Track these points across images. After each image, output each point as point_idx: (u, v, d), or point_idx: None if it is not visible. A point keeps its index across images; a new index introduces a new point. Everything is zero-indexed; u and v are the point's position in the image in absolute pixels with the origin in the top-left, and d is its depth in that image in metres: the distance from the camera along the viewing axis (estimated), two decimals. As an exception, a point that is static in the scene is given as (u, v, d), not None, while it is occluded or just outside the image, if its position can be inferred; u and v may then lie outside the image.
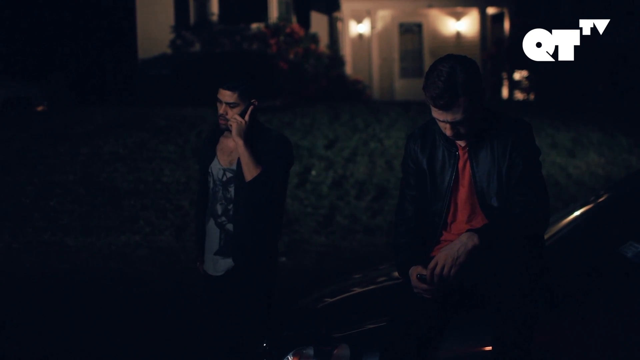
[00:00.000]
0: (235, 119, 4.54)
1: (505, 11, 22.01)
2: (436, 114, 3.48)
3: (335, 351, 3.73)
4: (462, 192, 3.63)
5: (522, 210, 3.47)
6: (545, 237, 4.20)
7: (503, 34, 22.07)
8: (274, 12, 21.49)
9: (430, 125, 3.69)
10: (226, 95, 4.59)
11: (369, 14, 22.06)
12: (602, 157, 14.37)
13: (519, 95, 21.11)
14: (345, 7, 21.64)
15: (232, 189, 4.61)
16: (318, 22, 22.19)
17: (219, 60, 20.47)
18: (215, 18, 21.66)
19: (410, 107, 16.85)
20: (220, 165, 4.67)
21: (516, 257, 3.38)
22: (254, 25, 21.48)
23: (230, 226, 4.62)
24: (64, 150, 13.61)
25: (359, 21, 22.57)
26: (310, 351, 3.81)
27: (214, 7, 21.74)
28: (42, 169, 12.77)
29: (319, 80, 20.30)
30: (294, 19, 21.72)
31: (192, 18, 21.91)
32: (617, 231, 4.29)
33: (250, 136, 4.57)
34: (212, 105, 17.06)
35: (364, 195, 12.14)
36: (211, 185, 4.71)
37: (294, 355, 3.87)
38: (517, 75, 21.18)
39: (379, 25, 22.49)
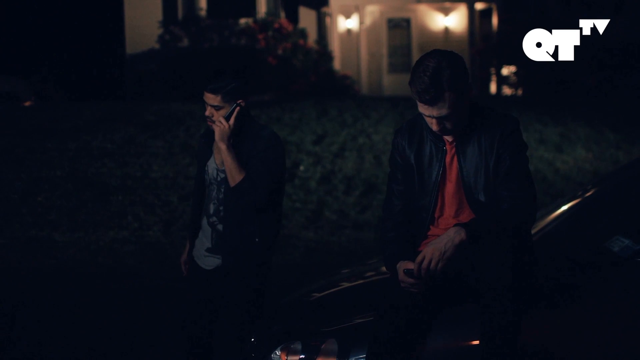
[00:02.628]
0: (219, 123, 4.42)
1: (494, 7, 22.05)
2: (422, 109, 3.49)
3: (323, 346, 3.73)
4: (450, 187, 3.63)
5: (509, 205, 3.48)
6: (532, 231, 4.21)
7: (491, 30, 22.11)
8: (262, 8, 21.47)
9: (418, 120, 3.69)
10: (210, 98, 4.46)
11: (358, 9, 22.06)
12: (590, 153, 14.41)
13: (507, 91, 21.16)
14: (334, 2, 21.63)
15: (223, 190, 4.53)
16: (306, 18, 22.18)
17: (208, 55, 20.44)
18: (203, 13, 21.63)
19: (399, 103, 16.86)
20: (215, 164, 4.59)
21: (503, 252, 3.39)
22: (242, 21, 21.46)
23: (220, 227, 4.54)
24: (52, 145, 13.57)
25: (348, 16, 22.57)
26: (298, 346, 3.81)
27: (202, 2, 21.71)
28: (30, 165, 12.73)
29: (307, 76, 20.30)
30: (282, 14, 21.71)
31: (180, 13, 21.87)
32: (603, 226, 4.31)
33: (237, 137, 4.47)
34: (200, 100, 16.92)
35: (353, 191, 12.15)
36: (207, 183, 4.64)
37: (281, 350, 3.87)
38: (505, 71, 21.23)
39: (368, 20, 22.49)
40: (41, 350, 6.38)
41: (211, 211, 4.58)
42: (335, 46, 21.76)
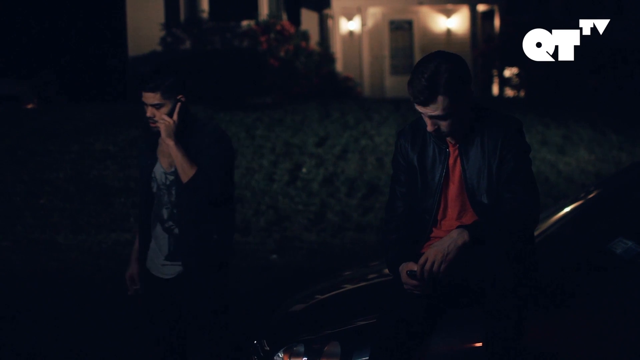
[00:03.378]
0: (163, 120, 4.30)
1: (496, 8, 22.04)
2: (417, 107, 3.51)
3: (325, 348, 3.73)
4: (453, 189, 3.63)
5: (512, 207, 3.47)
6: (535, 233, 4.21)
7: (493, 31, 22.11)
8: (264, 10, 21.48)
9: (421, 122, 3.69)
10: (149, 97, 4.33)
11: (360, 11, 22.06)
12: (592, 154, 14.41)
13: (509, 92, 21.15)
14: (336, 4, 21.63)
15: (174, 192, 4.41)
16: (308, 20, 22.19)
17: (210, 57, 20.44)
18: (205, 15, 21.64)
19: (401, 105, 16.86)
20: (162, 169, 4.45)
21: (506, 254, 3.38)
22: (245, 23, 21.46)
23: (177, 230, 4.42)
24: (54, 147, 13.59)
25: (350, 18, 22.56)
26: (301, 348, 3.81)
27: (204, 4, 21.72)
28: (32, 167, 12.74)
29: (309, 78, 20.30)
30: (284, 16, 21.72)
31: (182, 15, 21.88)
32: (606, 227, 4.30)
33: (182, 135, 4.35)
34: (203, 102, 17.03)
35: (355, 193, 12.15)
36: (155, 190, 4.48)
37: (284, 353, 3.87)
38: (508, 73, 21.22)
39: (370, 22, 22.49)
40: (43, 352, 6.37)
41: (165, 216, 4.44)
42: (337, 48, 21.76)
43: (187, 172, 4.29)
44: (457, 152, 3.61)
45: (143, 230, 4.57)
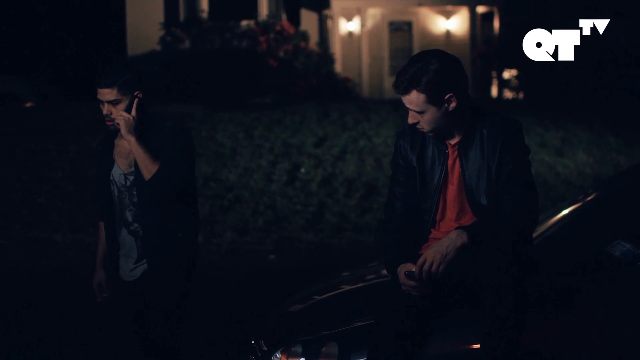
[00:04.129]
0: (121, 116, 4.13)
1: (495, 10, 22.05)
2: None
3: (323, 349, 3.73)
4: (451, 190, 3.63)
5: (511, 209, 3.47)
6: (534, 235, 4.21)
7: (493, 33, 22.12)
8: (263, 10, 21.48)
9: (420, 123, 3.70)
10: (105, 94, 4.16)
11: (359, 12, 22.07)
12: (591, 157, 14.42)
13: (508, 94, 21.16)
14: (335, 5, 21.64)
15: (135, 193, 4.26)
16: (308, 20, 22.18)
17: (209, 57, 20.43)
18: (205, 15, 21.63)
19: (400, 106, 16.85)
20: (120, 170, 4.29)
21: (504, 255, 3.38)
22: (244, 23, 21.46)
23: (142, 231, 4.29)
24: (53, 146, 13.58)
25: (349, 19, 22.57)
26: (299, 349, 3.81)
27: (204, 4, 21.71)
28: (31, 166, 12.74)
29: (308, 78, 20.30)
30: (283, 17, 21.72)
31: (181, 15, 21.88)
32: (605, 230, 4.30)
33: (141, 131, 4.18)
34: (201, 102, 17.02)
35: (353, 193, 12.15)
36: (116, 193, 4.32)
37: (282, 353, 3.87)
38: (507, 74, 21.23)
39: (369, 23, 22.50)
40: (41, 350, 6.37)
41: (130, 219, 4.30)
42: (336, 49, 21.76)
43: (149, 168, 4.13)
44: (456, 153, 3.61)
45: (110, 238, 4.40)
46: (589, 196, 4.86)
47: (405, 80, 3.50)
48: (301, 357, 3.77)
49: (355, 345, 3.66)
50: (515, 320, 3.34)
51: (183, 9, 21.90)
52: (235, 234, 10.46)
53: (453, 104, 3.51)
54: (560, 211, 4.82)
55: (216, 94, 18.97)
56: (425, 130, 3.58)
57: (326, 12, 22.08)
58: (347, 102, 18.12)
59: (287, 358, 3.83)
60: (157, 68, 21.10)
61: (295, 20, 21.81)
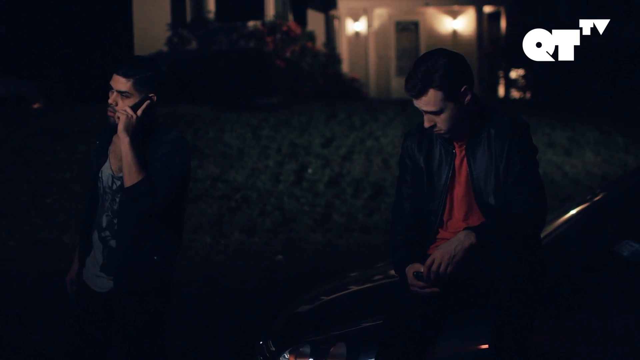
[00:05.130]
0: (124, 110, 3.80)
1: (502, 10, 22.03)
2: (414, 103, 3.53)
3: (331, 349, 3.73)
4: (459, 190, 3.63)
5: (519, 209, 3.47)
6: (542, 235, 4.20)
7: (500, 33, 22.09)
8: (270, 10, 21.49)
9: (428, 123, 3.69)
10: (119, 82, 3.83)
11: (366, 12, 22.07)
12: (599, 156, 14.39)
13: (515, 94, 21.13)
14: (342, 5, 21.64)
15: (119, 200, 3.91)
16: (315, 20, 22.19)
17: (216, 58, 20.46)
18: (211, 16, 21.65)
19: (407, 106, 16.84)
20: (111, 170, 3.95)
21: (513, 256, 3.38)
22: (251, 23, 21.48)
23: (113, 242, 3.91)
24: (61, 148, 13.61)
25: (356, 19, 22.57)
26: (307, 349, 3.81)
27: (211, 4, 21.73)
28: (39, 167, 12.77)
29: (315, 79, 20.30)
30: (290, 17, 21.72)
31: (188, 16, 21.90)
32: (613, 230, 4.30)
33: (140, 136, 3.85)
34: (208, 103, 17.01)
35: (361, 194, 12.15)
36: (101, 192, 3.98)
37: (290, 354, 3.87)
38: (514, 74, 21.21)
39: (376, 23, 22.49)
40: (48, 351, 6.38)
41: (104, 224, 3.95)
42: (343, 49, 21.76)
43: (132, 176, 3.77)
44: (463, 153, 3.61)
45: (84, 234, 4.07)
46: (596, 196, 4.85)
47: (418, 82, 3.47)
48: (309, 358, 3.78)
49: (363, 346, 3.66)
50: (524, 321, 3.34)
51: (190, 10, 21.92)
52: (242, 235, 10.47)
53: (468, 97, 3.51)
54: (568, 211, 4.82)
55: (223, 95, 18.99)
56: (442, 132, 3.54)
57: (333, 12, 22.08)
58: (355, 103, 18.11)
59: (296, 358, 3.83)
60: (164, 69, 21.12)
61: (302, 20, 21.81)
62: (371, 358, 3.57)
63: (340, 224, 10.98)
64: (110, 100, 3.85)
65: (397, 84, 22.72)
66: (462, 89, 3.50)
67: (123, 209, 3.88)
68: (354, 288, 4.73)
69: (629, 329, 3.59)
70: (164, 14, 21.75)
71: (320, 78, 20.39)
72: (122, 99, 3.83)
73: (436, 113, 3.49)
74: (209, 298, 7.81)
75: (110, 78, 3.89)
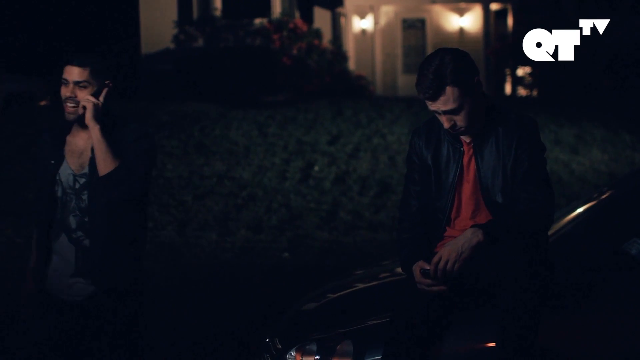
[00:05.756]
0: (88, 100, 3.75)
1: (509, 7, 22.00)
2: (430, 106, 3.51)
3: (338, 347, 3.73)
4: (467, 188, 3.62)
5: (526, 207, 3.46)
6: (549, 233, 4.19)
7: (506, 30, 22.07)
8: (277, 8, 21.49)
9: (435, 121, 3.69)
10: (74, 73, 3.78)
11: (372, 9, 22.05)
12: (606, 154, 14.36)
13: (522, 92, 21.11)
14: (349, 2, 21.63)
15: (86, 197, 3.82)
16: (321, 18, 22.18)
17: (222, 55, 20.47)
18: (218, 13, 21.66)
19: (413, 103, 16.84)
20: (70, 170, 3.85)
21: (520, 254, 3.37)
22: (257, 21, 21.48)
23: (87, 242, 3.83)
24: (67, 145, 13.61)
25: (362, 17, 22.56)
26: (314, 347, 3.81)
27: (217, 2, 21.74)
28: (45, 164, 12.77)
29: (322, 76, 20.30)
30: (297, 15, 21.72)
31: (195, 13, 21.91)
32: (620, 228, 4.28)
33: (104, 126, 3.79)
34: (215, 100, 16.98)
35: (367, 191, 12.14)
36: (60, 194, 3.86)
37: (296, 351, 3.87)
38: (521, 72, 21.18)
39: (382, 20, 22.48)
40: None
41: (73, 225, 3.85)
42: (349, 46, 21.75)
43: (108, 163, 3.72)
44: (471, 151, 3.60)
45: (42, 243, 3.94)
46: (604, 194, 4.84)
47: (432, 82, 3.43)
48: (316, 355, 3.77)
49: (370, 344, 3.66)
50: (530, 319, 3.33)
51: (196, 8, 21.93)
52: (249, 232, 10.47)
53: (479, 87, 3.51)
54: (575, 209, 4.81)
55: (230, 92, 19.00)
56: (463, 129, 3.52)
57: (339, 9, 22.07)
58: (361, 100, 18.11)
59: (302, 356, 3.83)
60: (170, 66, 21.16)
61: (308, 18, 21.81)
62: (378, 356, 3.57)
63: (347, 221, 10.98)
64: (67, 94, 3.81)
65: (403, 82, 22.70)
66: (475, 80, 3.49)
67: (92, 206, 3.81)
68: (360, 286, 4.73)
69: (638, 328, 3.58)
70: (171, 12, 21.76)
71: (326, 75, 20.39)
72: (80, 89, 3.80)
73: (455, 111, 3.47)
74: (214, 295, 7.82)
75: (62, 72, 3.86)
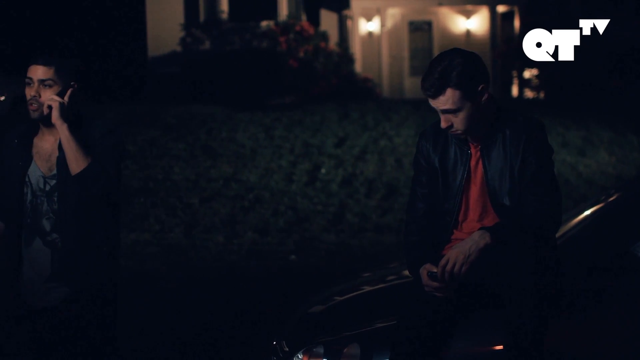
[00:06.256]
0: (53, 99, 3.69)
1: (516, 9, 21.98)
2: (430, 102, 3.52)
3: (345, 350, 3.72)
4: (474, 191, 3.61)
5: (534, 209, 3.46)
6: (556, 236, 4.18)
7: (513, 32, 22.05)
8: (283, 10, 21.50)
9: (442, 123, 3.68)
10: (40, 71, 3.72)
11: (379, 12, 22.06)
12: (613, 156, 14.34)
13: (529, 94, 21.09)
14: (355, 5, 21.64)
15: (57, 199, 3.76)
16: (328, 20, 22.20)
17: (229, 58, 20.49)
18: (225, 16, 21.69)
19: (420, 105, 16.84)
20: (40, 172, 3.79)
21: (527, 256, 3.37)
22: (264, 23, 21.50)
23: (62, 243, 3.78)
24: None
25: (369, 19, 22.56)
26: (321, 350, 3.80)
27: (224, 5, 21.77)
28: (52, 167, 12.80)
29: (328, 78, 20.31)
30: (303, 17, 21.74)
31: (202, 16, 21.94)
32: (628, 230, 4.27)
33: (71, 125, 3.73)
34: (222, 102, 17.00)
35: (374, 194, 12.14)
36: (29, 197, 3.79)
37: (304, 354, 3.86)
38: (527, 74, 21.16)
39: (389, 23, 22.48)
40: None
41: (47, 228, 3.77)
42: (356, 49, 21.76)
43: (79, 162, 3.67)
44: (479, 153, 3.60)
45: (11, 249, 3.82)
46: (611, 196, 4.82)
47: (435, 81, 3.45)
48: (323, 358, 3.77)
49: (377, 346, 3.65)
50: (539, 322, 3.32)
51: (203, 10, 21.96)
52: (255, 235, 10.48)
53: (486, 96, 3.50)
54: (582, 211, 4.79)
55: (236, 95, 19.02)
56: (459, 132, 3.53)
57: (346, 12, 22.08)
58: (367, 102, 18.11)
59: (309, 359, 3.82)
60: (177, 69, 21.19)
61: (315, 20, 21.83)
62: (385, 358, 3.56)
63: (354, 224, 10.98)
64: (32, 93, 3.74)
65: (410, 84, 22.70)
66: (480, 88, 3.49)
67: (65, 207, 3.75)
68: (367, 288, 4.72)
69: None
70: (178, 14, 21.80)
71: (333, 78, 20.40)
72: (44, 89, 3.74)
73: (454, 112, 3.48)
74: (221, 298, 7.82)
75: (28, 71, 3.77)
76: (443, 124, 3.53)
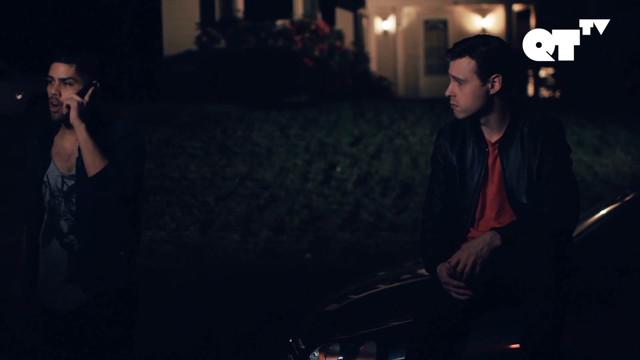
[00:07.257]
0: (72, 98, 3.63)
1: (531, 8, 21.93)
2: (449, 69, 3.57)
3: (361, 348, 3.73)
4: (491, 189, 3.61)
5: (552, 208, 3.46)
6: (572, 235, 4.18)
7: (529, 31, 21.99)
8: (299, 9, 21.52)
9: (460, 121, 3.69)
10: (61, 69, 3.66)
11: (394, 10, 22.04)
12: (629, 156, 14.29)
13: (544, 93, 21.03)
14: (371, 3, 21.63)
15: (75, 200, 3.71)
16: (343, 19, 22.20)
17: (244, 56, 20.53)
18: (240, 15, 21.72)
19: (435, 104, 16.82)
20: (58, 172, 3.74)
21: (543, 255, 3.37)
22: (279, 22, 21.53)
23: (78, 245, 3.72)
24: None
25: (384, 18, 22.55)
26: (337, 347, 3.82)
27: (239, 4, 21.81)
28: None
29: (343, 77, 20.32)
30: (319, 16, 21.75)
31: (217, 15, 21.99)
32: (645, 230, 4.27)
33: (91, 126, 3.67)
34: (237, 101, 17.04)
35: (389, 192, 12.14)
36: (48, 197, 3.74)
37: (320, 352, 3.87)
38: (543, 73, 21.10)
39: (404, 22, 22.45)
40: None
41: (65, 230, 3.72)
42: (371, 48, 21.75)
43: (96, 163, 3.60)
44: (496, 151, 3.60)
45: (31, 248, 3.80)
46: (627, 196, 4.82)
47: (462, 45, 3.54)
48: (339, 356, 3.78)
49: (393, 345, 3.66)
50: (554, 321, 3.32)
51: (219, 9, 22.01)
52: (271, 233, 10.50)
53: (496, 87, 3.51)
54: (598, 211, 4.79)
55: (252, 94, 19.05)
56: (457, 109, 3.55)
57: (361, 11, 22.08)
58: (383, 101, 18.11)
59: (325, 357, 3.83)
60: (193, 68, 21.24)
61: (330, 19, 21.83)
62: (401, 357, 3.57)
63: (369, 222, 10.98)
64: (52, 91, 3.68)
65: (425, 83, 22.67)
66: (494, 76, 3.51)
67: (80, 209, 3.69)
68: (382, 287, 4.73)
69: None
70: (193, 13, 21.85)
71: (348, 77, 20.41)
72: (65, 87, 3.67)
73: (460, 82, 3.52)
74: (237, 296, 7.84)
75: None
76: (447, 91, 3.58)
